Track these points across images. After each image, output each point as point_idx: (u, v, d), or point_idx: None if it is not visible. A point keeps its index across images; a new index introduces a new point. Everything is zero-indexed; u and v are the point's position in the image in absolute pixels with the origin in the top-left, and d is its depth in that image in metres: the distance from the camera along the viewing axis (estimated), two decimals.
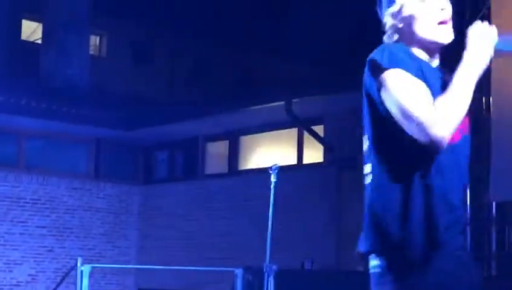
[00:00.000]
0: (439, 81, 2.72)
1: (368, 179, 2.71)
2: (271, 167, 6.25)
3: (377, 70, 2.67)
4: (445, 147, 2.55)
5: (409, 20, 2.78)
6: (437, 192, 2.59)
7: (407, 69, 2.59)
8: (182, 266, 13.19)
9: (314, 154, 13.92)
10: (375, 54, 2.74)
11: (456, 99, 2.57)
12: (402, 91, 2.55)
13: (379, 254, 2.57)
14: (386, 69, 2.61)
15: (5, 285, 14.06)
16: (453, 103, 2.55)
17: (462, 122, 2.64)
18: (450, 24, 2.79)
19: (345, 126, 13.10)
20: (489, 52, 2.65)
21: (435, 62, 2.84)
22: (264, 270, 6.14)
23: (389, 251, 2.54)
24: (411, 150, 2.58)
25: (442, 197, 2.61)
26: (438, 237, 2.56)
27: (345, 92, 12.31)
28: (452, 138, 2.58)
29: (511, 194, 9.21)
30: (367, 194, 2.71)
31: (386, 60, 2.64)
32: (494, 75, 9.10)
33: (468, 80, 2.60)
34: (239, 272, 10.66)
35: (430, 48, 2.82)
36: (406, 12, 2.78)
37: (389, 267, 2.53)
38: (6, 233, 14.26)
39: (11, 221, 14.38)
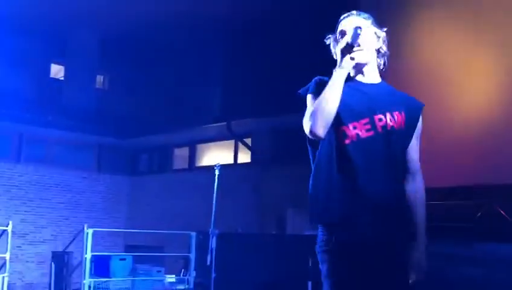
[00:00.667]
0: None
1: None
2: (215, 165, 6.22)
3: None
4: (322, 137, 2.31)
5: None
6: (341, 176, 2.32)
7: (313, 92, 2.40)
8: (156, 230, 13.18)
9: (244, 157, 14.01)
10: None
11: (321, 101, 2.28)
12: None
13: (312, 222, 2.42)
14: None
15: (37, 241, 14.14)
16: (318, 104, 2.28)
17: (381, 121, 2.33)
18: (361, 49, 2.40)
19: (265, 139, 13.62)
20: (347, 63, 2.34)
21: (365, 77, 2.47)
22: (210, 233, 6.06)
23: (314, 220, 2.39)
24: (314, 145, 2.43)
25: (346, 180, 2.31)
26: (336, 210, 2.32)
27: (265, 117, 12.82)
28: (359, 134, 2.32)
29: None
30: None
31: (308, 88, 2.47)
32: None
33: (331, 85, 2.30)
34: (193, 234, 10.79)
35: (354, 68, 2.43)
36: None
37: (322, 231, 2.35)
38: (37, 206, 14.26)
39: (41, 199, 14.38)
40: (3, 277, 9.31)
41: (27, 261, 13.77)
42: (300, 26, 11.26)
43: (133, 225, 15.36)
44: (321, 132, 2.29)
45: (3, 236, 10.84)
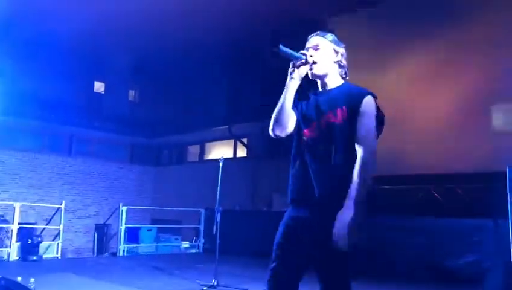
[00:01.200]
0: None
1: None
2: (220, 159, 6.02)
3: None
4: (276, 136, 2.34)
5: None
6: (299, 167, 2.26)
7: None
8: (175, 207, 13.07)
9: (242, 152, 14.05)
10: None
11: (275, 108, 2.32)
12: None
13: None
14: None
15: (83, 216, 14.09)
16: (275, 109, 2.31)
17: (324, 118, 2.24)
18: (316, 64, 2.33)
19: (258, 139, 13.64)
20: (294, 74, 2.31)
21: (327, 85, 2.36)
22: (215, 210, 5.86)
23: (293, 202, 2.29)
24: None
25: (301, 170, 2.24)
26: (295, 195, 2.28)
27: (258, 122, 12.82)
28: (310, 135, 2.26)
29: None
30: None
31: None
32: None
33: (282, 95, 2.32)
34: (203, 211, 10.76)
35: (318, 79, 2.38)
36: None
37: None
38: (84, 190, 14.24)
39: (86, 184, 14.36)
40: (58, 243, 9.25)
41: (76, 231, 13.76)
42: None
43: (157, 204, 15.34)
44: (274, 132, 2.33)
45: (58, 212, 10.77)
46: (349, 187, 2.08)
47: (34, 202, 12.10)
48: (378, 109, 2.25)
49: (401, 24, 8.39)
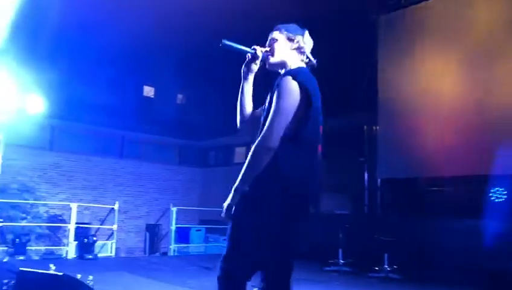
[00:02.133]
0: None
1: None
2: None
3: None
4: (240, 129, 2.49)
5: None
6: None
7: None
8: (222, 208, 13.26)
9: None
10: None
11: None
12: None
13: None
14: None
15: (135, 216, 14.38)
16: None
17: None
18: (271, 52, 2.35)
19: None
20: (247, 75, 2.43)
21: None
22: None
23: None
24: None
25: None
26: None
27: None
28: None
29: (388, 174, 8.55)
30: None
31: None
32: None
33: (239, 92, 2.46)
34: None
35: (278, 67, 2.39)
36: None
37: None
38: (135, 191, 14.53)
39: (137, 185, 14.65)
40: (112, 243, 9.58)
41: (128, 231, 14.14)
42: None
43: (204, 204, 15.38)
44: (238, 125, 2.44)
45: (112, 213, 11.13)
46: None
47: (88, 203, 12.56)
48: (301, 90, 2.14)
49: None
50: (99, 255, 8.86)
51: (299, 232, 2.22)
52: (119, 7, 10.77)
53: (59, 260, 8.03)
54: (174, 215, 9.74)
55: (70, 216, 9.09)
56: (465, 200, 7.44)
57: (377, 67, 9.01)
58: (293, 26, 2.42)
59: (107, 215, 12.56)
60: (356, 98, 9.74)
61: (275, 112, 2.12)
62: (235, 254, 2.15)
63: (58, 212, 12.13)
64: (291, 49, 2.35)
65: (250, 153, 2.18)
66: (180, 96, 16.86)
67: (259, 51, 2.39)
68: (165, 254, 11.27)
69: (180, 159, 16.64)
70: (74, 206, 8.78)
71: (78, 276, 5.15)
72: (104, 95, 13.21)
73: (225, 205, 2.19)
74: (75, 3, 10.06)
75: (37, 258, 8.68)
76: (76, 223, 8.81)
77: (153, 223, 14.36)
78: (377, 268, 7.04)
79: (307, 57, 2.39)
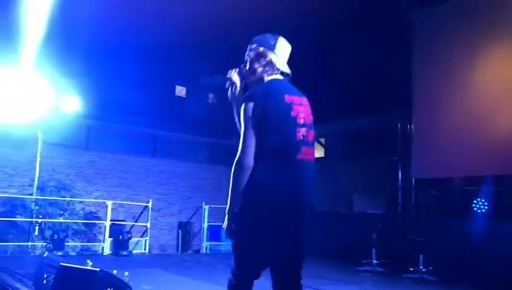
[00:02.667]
0: None
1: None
2: None
3: None
4: None
5: None
6: None
7: None
8: None
9: (319, 153, 13.83)
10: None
11: None
12: None
13: None
14: None
15: (168, 214, 14.45)
16: None
17: None
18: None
19: (335, 138, 13.50)
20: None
21: None
22: None
23: None
24: None
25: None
26: None
27: (335, 121, 12.71)
28: None
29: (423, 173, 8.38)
30: None
31: None
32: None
33: None
34: None
35: None
36: None
37: None
38: (168, 189, 14.71)
39: (170, 183, 14.84)
40: (145, 240, 9.74)
41: (161, 229, 14.33)
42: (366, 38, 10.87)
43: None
44: None
45: (145, 210, 11.32)
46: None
47: (123, 201, 12.80)
48: (254, 107, 2.29)
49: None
50: (134, 252, 9.02)
51: (289, 235, 2.27)
52: (151, 9, 10.92)
53: (95, 256, 8.23)
54: (206, 213, 9.79)
55: (105, 213, 9.30)
56: (504, 201, 7.24)
57: (411, 65, 8.85)
58: (265, 39, 2.52)
59: (141, 213, 12.77)
60: (389, 97, 9.60)
61: (240, 135, 2.38)
62: (236, 262, 2.35)
63: (93, 209, 12.42)
64: (261, 65, 2.46)
65: (231, 177, 2.33)
66: (211, 95, 16.96)
67: (235, 76, 2.56)
68: (197, 251, 11.39)
69: (211, 158, 16.72)
70: (109, 203, 8.97)
71: (114, 272, 5.26)
72: (137, 95, 13.42)
73: (224, 226, 2.34)
74: (108, 6, 10.26)
75: (73, 254, 8.91)
76: (111, 220, 9.00)
77: (184, 221, 14.50)
78: (411, 269, 6.91)
79: (278, 70, 2.47)
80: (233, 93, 2.59)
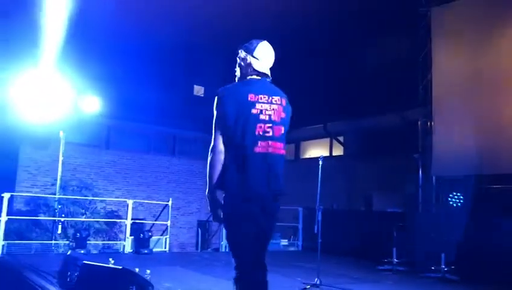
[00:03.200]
0: None
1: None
2: (320, 157, 5.84)
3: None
4: None
5: None
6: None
7: None
8: None
9: (338, 151, 13.88)
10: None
11: None
12: None
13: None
14: None
15: (187, 212, 14.67)
16: None
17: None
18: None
19: (355, 137, 13.41)
20: None
21: None
22: (316, 208, 5.65)
23: None
24: None
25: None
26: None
27: (353, 119, 12.65)
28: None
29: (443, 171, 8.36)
30: None
31: None
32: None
33: None
34: (301, 209, 10.84)
35: None
36: None
37: None
38: (187, 188, 14.89)
39: (189, 182, 14.98)
40: (166, 238, 9.81)
41: (180, 227, 14.47)
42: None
43: None
44: None
45: (165, 209, 11.41)
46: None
47: (143, 199, 12.94)
48: (219, 102, 2.61)
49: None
50: (154, 250, 9.10)
51: (255, 222, 2.50)
52: (170, 10, 11.01)
53: (116, 254, 8.32)
54: None
55: (126, 212, 9.39)
56: None
57: (431, 61, 8.74)
58: (249, 44, 2.82)
59: (161, 211, 12.89)
60: (409, 94, 9.50)
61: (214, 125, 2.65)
62: (230, 248, 2.63)
63: (114, 208, 12.59)
64: (241, 67, 2.77)
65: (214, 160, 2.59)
66: None
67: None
68: (216, 249, 11.43)
69: None
70: (130, 202, 9.07)
71: (136, 270, 5.33)
72: (156, 95, 13.55)
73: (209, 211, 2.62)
74: (127, 9, 10.38)
75: (95, 252, 9.04)
76: (132, 219, 9.09)
77: (204, 219, 14.59)
78: (433, 268, 6.82)
79: (256, 71, 2.74)
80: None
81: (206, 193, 2.58)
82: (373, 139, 12.37)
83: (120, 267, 4.18)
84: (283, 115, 2.72)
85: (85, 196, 10.48)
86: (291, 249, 10.91)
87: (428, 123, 8.80)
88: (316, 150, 14.59)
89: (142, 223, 10.97)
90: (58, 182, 9.40)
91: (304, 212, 10.64)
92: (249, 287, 2.47)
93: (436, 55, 8.61)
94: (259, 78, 2.76)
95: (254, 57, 2.76)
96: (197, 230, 14.15)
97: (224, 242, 9.77)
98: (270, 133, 2.60)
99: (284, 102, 2.76)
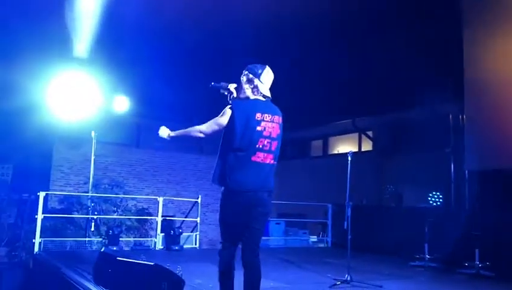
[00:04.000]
0: None
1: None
2: (348, 152, 5.83)
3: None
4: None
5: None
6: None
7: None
8: (298, 201, 13.44)
9: (367, 146, 13.74)
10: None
11: None
12: None
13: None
14: None
15: (216, 209, 14.80)
16: None
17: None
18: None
19: (384, 132, 13.22)
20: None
21: None
22: (346, 204, 5.63)
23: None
24: None
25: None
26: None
27: (382, 114, 12.47)
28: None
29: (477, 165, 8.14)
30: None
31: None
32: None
33: None
34: (330, 205, 10.78)
35: None
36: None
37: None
38: (211, 185, 15.08)
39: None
40: (196, 234, 9.92)
41: (209, 224, 14.58)
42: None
43: (281, 198, 15.48)
44: None
45: (195, 206, 11.54)
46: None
47: (172, 197, 13.11)
48: (232, 111, 3.32)
49: None
50: (184, 246, 9.22)
51: (248, 214, 3.22)
52: (195, 9, 11.09)
53: (148, 251, 8.47)
54: None
55: (156, 209, 9.55)
56: None
57: (462, 52, 8.52)
58: (254, 68, 3.42)
59: (191, 208, 13.05)
60: (440, 87, 9.30)
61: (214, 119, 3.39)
62: (220, 228, 3.49)
63: (145, 205, 12.80)
64: (249, 87, 3.37)
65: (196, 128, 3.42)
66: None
67: (233, 88, 3.50)
68: None
69: None
70: (161, 199, 9.21)
71: (168, 266, 5.42)
72: (183, 94, 13.67)
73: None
74: (155, 9, 10.51)
75: (127, 249, 9.21)
76: (162, 216, 9.23)
77: None
78: (466, 264, 6.68)
79: (261, 93, 3.36)
80: (229, 98, 3.47)
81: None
82: (403, 134, 12.17)
83: (152, 263, 4.26)
84: (279, 131, 3.38)
85: (116, 194, 10.69)
86: (321, 245, 10.88)
87: (460, 116, 8.60)
88: (345, 146, 14.46)
89: (172, 220, 11.11)
90: (91, 180, 9.62)
91: (333, 209, 10.54)
92: (228, 257, 3.33)
93: (468, 46, 8.39)
94: (264, 99, 3.37)
95: (260, 81, 3.37)
96: None
97: None
98: (268, 147, 3.29)
99: (280, 120, 3.39)
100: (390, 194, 11.57)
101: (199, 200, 10.25)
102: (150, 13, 10.60)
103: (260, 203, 3.22)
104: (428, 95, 10.04)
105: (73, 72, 9.47)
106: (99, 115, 10.31)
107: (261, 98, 3.35)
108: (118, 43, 10.97)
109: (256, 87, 3.35)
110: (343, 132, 14.34)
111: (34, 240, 7.51)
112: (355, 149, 13.68)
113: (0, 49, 9.45)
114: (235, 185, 3.17)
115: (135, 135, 14.41)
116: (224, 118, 3.29)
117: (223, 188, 3.27)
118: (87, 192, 9.71)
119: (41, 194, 7.73)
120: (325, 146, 15.46)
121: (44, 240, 7.82)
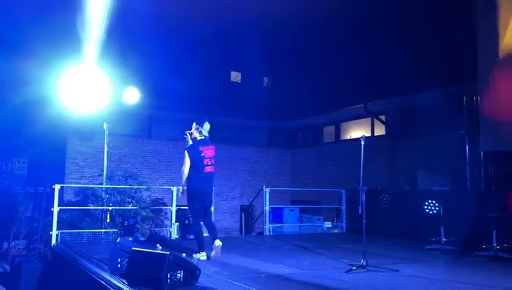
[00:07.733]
0: None
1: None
2: (361, 137, 5.79)
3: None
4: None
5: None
6: None
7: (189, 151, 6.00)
8: (312, 188, 13.31)
9: (380, 130, 13.63)
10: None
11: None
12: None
13: None
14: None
15: (229, 198, 14.97)
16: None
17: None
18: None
19: (397, 116, 13.07)
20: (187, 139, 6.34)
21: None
22: (360, 189, 5.57)
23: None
24: None
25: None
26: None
27: (395, 97, 12.31)
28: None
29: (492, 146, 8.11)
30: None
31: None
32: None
33: None
34: (343, 191, 10.63)
35: None
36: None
37: None
38: (229, 174, 15.00)
39: (230, 168, 15.16)
40: None
41: (223, 212, 14.67)
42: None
43: (295, 185, 15.56)
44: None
45: None
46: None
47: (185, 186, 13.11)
48: (187, 152, 6.07)
49: None
50: None
51: (205, 200, 6.12)
52: (207, 0, 11.02)
53: (163, 241, 8.49)
54: (268, 196, 9.85)
55: (170, 199, 9.56)
56: None
57: (475, 32, 8.34)
58: (200, 121, 6.11)
59: None
60: (452, 69, 9.13)
61: (184, 161, 6.06)
62: (191, 209, 6.20)
63: (159, 196, 12.86)
64: (197, 132, 6.07)
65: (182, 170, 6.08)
66: (266, 79, 16.94)
67: (188, 135, 6.16)
68: (260, 233, 11.50)
69: (269, 141, 16.80)
70: (174, 189, 9.22)
71: (183, 255, 5.43)
72: (194, 84, 13.66)
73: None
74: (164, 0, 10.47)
75: (143, 239, 9.26)
76: (177, 206, 9.24)
77: (246, 204, 14.69)
78: (483, 246, 6.59)
79: (203, 135, 6.07)
80: (186, 141, 6.15)
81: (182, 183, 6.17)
82: (416, 117, 12.02)
83: (168, 252, 4.26)
84: (213, 153, 6.04)
85: (130, 185, 10.74)
86: (335, 231, 10.83)
87: (474, 98, 8.44)
88: (357, 131, 14.36)
89: (186, 209, 11.13)
90: (105, 172, 9.66)
91: (347, 194, 10.49)
92: (198, 227, 6.11)
93: (481, 26, 8.19)
94: (204, 138, 6.06)
95: (203, 128, 6.07)
96: (241, 215, 14.28)
97: (267, 226, 9.84)
98: (209, 163, 6.00)
99: (214, 147, 6.05)
100: (405, 177, 11.46)
101: (213, 189, 10.25)
102: (161, 5, 10.57)
103: (210, 195, 6.16)
104: (441, 76, 9.86)
105: (82, 66, 9.46)
106: (110, 107, 10.30)
107: (203, 137, 6.06)
108: (128, 35, 10.96)
109: (201, 132, 6.05)
110: (356, 116, 14.23)
111: (51, 233, 7.58)
112: (368, 134, 13.57)
113: (12, 44, 9.50)
114: (196, 187, 5.96)
115: (147, 126, 14.45)
116: (186, 158, 5.94)
117: (189, 188, 6.03)
118: (102, 184, 9.76)
119: (57, 187, 7.78)
120: (337, 132, 15.38)
121: (61, 233, 7.90)
